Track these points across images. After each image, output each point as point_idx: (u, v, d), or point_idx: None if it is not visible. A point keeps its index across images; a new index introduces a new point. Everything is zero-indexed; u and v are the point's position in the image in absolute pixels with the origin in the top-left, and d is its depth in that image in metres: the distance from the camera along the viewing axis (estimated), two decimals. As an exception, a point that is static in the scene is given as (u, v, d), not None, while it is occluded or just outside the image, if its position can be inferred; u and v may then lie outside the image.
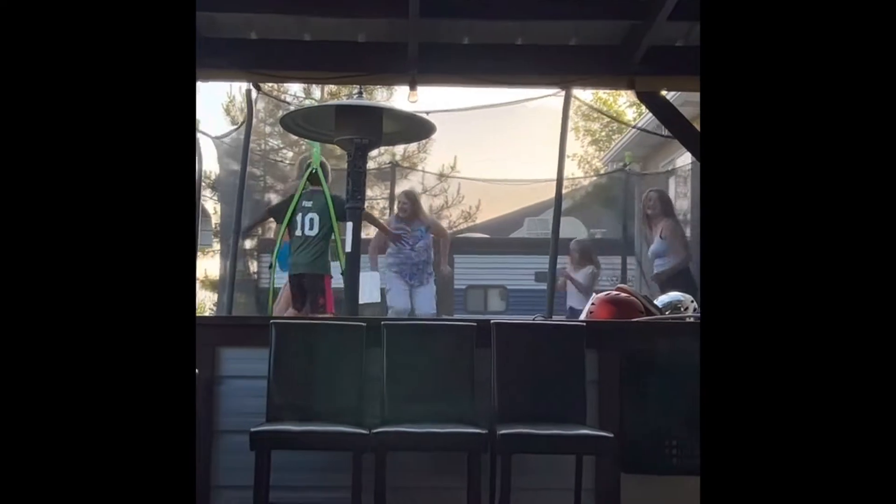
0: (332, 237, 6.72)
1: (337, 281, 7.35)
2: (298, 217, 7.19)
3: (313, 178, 7.01)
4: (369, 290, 7.23)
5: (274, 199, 15.97)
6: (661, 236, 7.24)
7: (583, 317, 5.08)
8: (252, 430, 3.80)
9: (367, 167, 5.54)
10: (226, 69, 5.63)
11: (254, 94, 7.23)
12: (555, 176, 7.44)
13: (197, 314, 9.85)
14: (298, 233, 7.10)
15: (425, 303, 7.76)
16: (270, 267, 6.93)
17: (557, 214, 7.11)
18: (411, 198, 8.39)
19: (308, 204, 7.06)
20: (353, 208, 5.35)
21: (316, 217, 6.83)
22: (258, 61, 5.55)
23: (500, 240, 15.58)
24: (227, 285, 8.43)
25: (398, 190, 12.91)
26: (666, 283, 6.83)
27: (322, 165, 6.72)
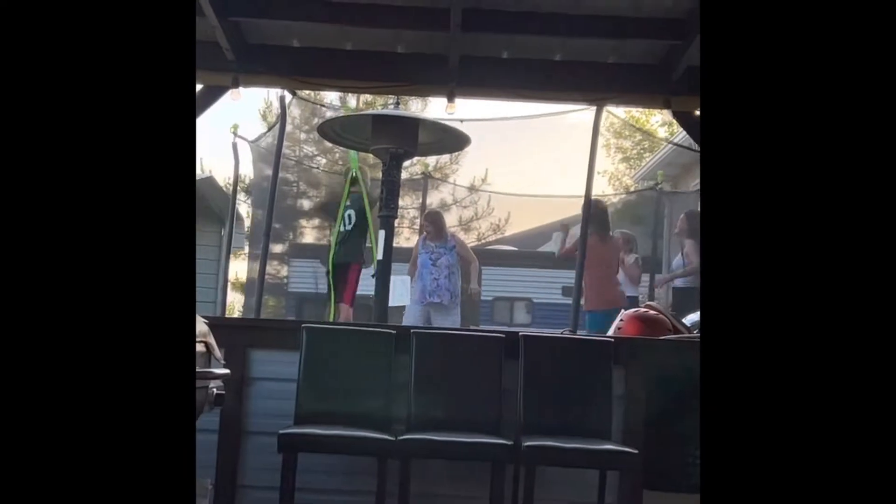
0: (368, 231, 7.42)
1: (369, 285, 7.49)
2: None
3: (353, 181, 7.70)
4: (399, 293, 7.30)
5: (307, 204, 16.17)
6: (682, 254, 7.91)
7: (611, 332, 5.10)
8: (280, 432, 3.84)
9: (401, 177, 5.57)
10: (266, 75, 5.69)
11: (288, 98, 7.29)
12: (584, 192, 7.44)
13: (227, 316, 9.95)
14: (341, 228, 7.75)
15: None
16: (327, 273, 7.52)
17: (584, 229, 7.08)
18: (431, 220, 8.56)
19: (348, 203, 7.77)
20: (385, 217, 5.36)
21: (353, 213, 7.64)
22: (298, 68, 5.61)
23: (527, 253, 15.57)
24: (257, 288, 8.48)
25: (429, 201, 12.95)
26: (681, 299, 7.55)
27: (361, 170, 7.39)
